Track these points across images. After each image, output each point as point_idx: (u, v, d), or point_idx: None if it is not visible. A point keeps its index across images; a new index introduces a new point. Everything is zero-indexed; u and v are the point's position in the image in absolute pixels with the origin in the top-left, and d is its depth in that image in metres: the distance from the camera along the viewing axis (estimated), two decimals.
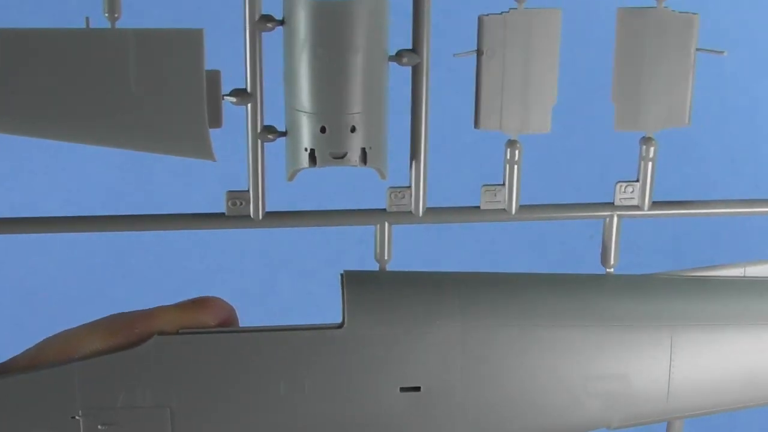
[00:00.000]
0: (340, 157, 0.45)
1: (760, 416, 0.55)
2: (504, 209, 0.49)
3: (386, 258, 0.49)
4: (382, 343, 0.47)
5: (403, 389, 0.48)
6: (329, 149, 0.45)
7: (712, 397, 0.50)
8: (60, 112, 0.44)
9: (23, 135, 0.45)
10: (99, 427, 0.47)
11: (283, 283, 1.15)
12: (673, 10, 0.46)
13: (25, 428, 0.47)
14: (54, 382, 0.47)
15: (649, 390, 0.49)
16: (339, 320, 0.47)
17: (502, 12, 0.46)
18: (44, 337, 0.48)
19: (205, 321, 0.47)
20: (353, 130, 0.45)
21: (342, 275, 0.48)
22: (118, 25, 0.45)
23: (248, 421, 0.47)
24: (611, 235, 0.50)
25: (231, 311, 0.49)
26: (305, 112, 0.45)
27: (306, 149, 0.45)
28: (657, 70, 0.47)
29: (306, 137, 0.45)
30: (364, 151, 0.45)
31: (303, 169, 0.46)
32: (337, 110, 0.44)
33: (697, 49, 0.47)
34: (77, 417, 0.47)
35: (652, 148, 0.48)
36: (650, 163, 0.48)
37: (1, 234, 0.48)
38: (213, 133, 0.46)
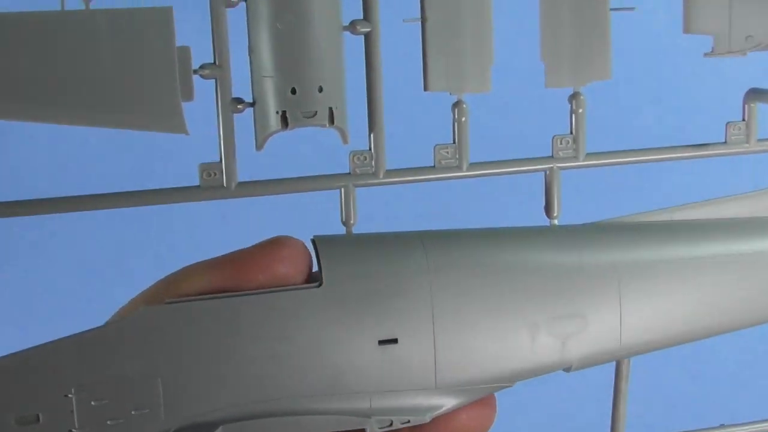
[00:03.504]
0: (311, 116, 0.48)
1: None
2: (456, 166, 0.52)
3: (352, 221, 0.52)
4: (359, 299, 0.50)
5: (381, 342, 0.50)
6: (300, 109, 0.48)
7: (660, 334, 0.54)
8: (34, 93, 0.46)
9: None
10: (92, 403, 0.47)
11: None
12: None
13: (18, 409, 0.46)
14: (45, 360, 0.47)
15: (603, 331, 0.53)
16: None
17: None
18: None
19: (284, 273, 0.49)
20: (320, 90, 0.48)
21: (313, 240, 0.51)
22: (92, 6, 0.47)
23: (240, 385, 0.48)
24: (553, 186, 0.54)
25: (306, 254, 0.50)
26: (274, 77, 0.48)
27: (277, 112, 0.48)
28: (577, 30, 0.52)
29: (276, 101, 0.48)
30: (331, 111, 0.49)
31: (274, 133, 0.48)
32: (304, 72, 0.48)
33: (611, 9, 0.53)
34: (70, 395, 0.47)
35: (581, 102, 0.53)
36: (581, 117, 0.53)
37: None
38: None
